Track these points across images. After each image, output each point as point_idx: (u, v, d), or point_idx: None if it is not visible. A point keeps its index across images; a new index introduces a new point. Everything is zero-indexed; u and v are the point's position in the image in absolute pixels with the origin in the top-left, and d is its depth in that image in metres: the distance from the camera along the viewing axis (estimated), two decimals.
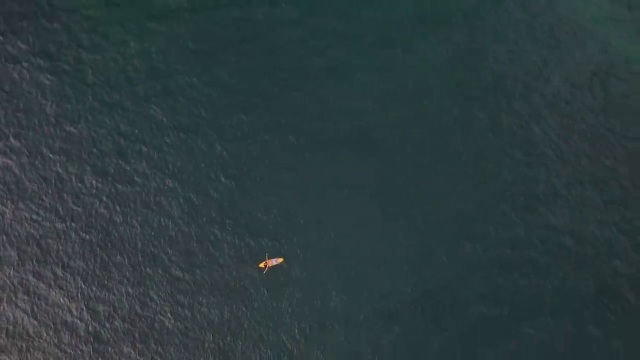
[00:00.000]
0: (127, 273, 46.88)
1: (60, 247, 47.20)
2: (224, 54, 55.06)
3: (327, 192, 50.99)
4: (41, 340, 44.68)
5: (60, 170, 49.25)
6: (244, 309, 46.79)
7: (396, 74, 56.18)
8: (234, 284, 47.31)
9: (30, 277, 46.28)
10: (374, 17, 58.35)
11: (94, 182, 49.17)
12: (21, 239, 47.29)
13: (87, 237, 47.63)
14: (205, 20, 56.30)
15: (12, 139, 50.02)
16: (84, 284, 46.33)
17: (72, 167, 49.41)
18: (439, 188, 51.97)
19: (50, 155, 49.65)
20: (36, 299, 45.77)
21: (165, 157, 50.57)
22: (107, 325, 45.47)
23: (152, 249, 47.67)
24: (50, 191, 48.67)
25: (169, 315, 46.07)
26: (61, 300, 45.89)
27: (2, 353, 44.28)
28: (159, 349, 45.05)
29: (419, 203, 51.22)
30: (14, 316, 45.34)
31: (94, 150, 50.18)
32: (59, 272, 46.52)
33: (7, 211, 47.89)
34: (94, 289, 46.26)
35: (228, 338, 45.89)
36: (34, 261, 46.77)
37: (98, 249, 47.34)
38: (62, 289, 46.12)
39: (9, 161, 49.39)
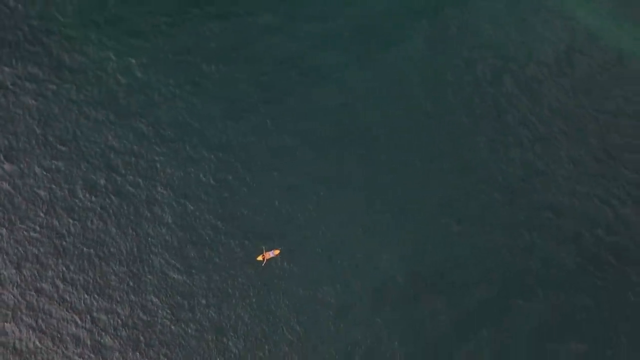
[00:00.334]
0: (127, 280, 48.05)
1: (59, 261, 48.26)
2: (205, 64, 56.16)
3: (316, 189, 52.24)
4: (49, 352, 45.70)
5: (53, 187, 50.34)
6: (242, 306, 48.07)
7: (375, 70, 57.66)
8: (231, 283, 48.58)
9: (33, 292, 47.30)
10: (350, 16, 59.78)
11: (87, 194, 50.29)
12: (20, 256, 48.33)
13: (85, 249, 48.70)
14: (184, 33, 57.42)
15: (4, 161, 51.11)
16: (86, 294, 47.42)
17: (64, 183, 50.53)
18: (424, 178, 53.45)
19: (43, 173, 50.76)
20: (40, 313, 46.77)
21: (154, 166, 51.76)
22: (112, 332, 46.60)
23: (150, 256, 48.86)
24: (44, 207, 49.69)
25: (171, 318, 47.28)
26: (64, 312, 46.91)
27: None
28: (164, 350, 46.25)
29: (405, 194, 52.65)
30: (19, 332, 46.32)
31: (85, 164, 51.33)
32: (60, 284, 47.59)
33: (4, 230, 48.93)
34: (96, 298, 47.38)
35: (230, 335, 47.18)
36: (35, 276, 47.81)
37: (96, 259, 48.44)
38: (65, 301, 47.16)
39: (3, 182, 50.45)
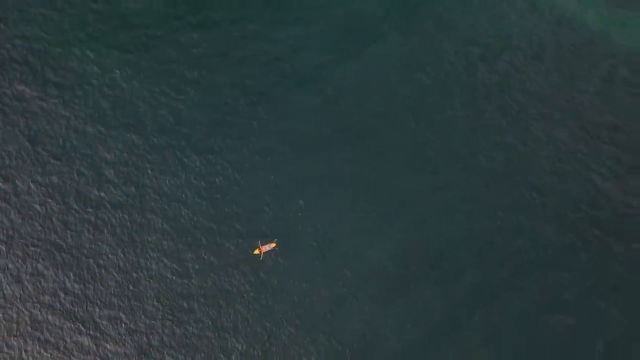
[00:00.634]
0: (127, 286, 49.07)
1: (60, 272, 49.26)
2: (188, 71, 57.30)
3: (307, 187, 53.46)
4: None
5: (48, 200, 51.34)
6: (241, 303, 49.17)
7: (357, 68, 58.98)
8: (229, 281, 49.69)
9: (36, 304, 48.25)
10: (331, 17, 61.15)
11: (82, 205, 51.30)
12: (21, 270, 49.30)
13: (84, 258, 49.67)
14: (166, 43, 58.48)
15: None
16: (88, 303, 48.43)
17: (59, 196, 51.54)
18: (409, 169, 54.78)
19: (37, 188, 51.76)
20: (44, 324, 47.68)
21: (146, 173, 52.79)
22: (116, 338, 47.62)
23: (147, 261, 49.94)
24: (41, 221, 50.67)
25: (173, 319, 48.32)
26: (67, 323, 47.86)
27: None
28: (169, 350, 47.33)
29: (392, 186, 53.97)
30: (25, 344, 47.21)
31: (77, 176, 52.36)
32: (62, 294, 48.57)
33: (4, 246, 49.84)
34: (98, 305, 48.41)
35: (230, 332, 48.30)
36: (37, 288, 48.74)
37: (96, 268, 49.48)
38: (68, 311, 48.17)
39: None
